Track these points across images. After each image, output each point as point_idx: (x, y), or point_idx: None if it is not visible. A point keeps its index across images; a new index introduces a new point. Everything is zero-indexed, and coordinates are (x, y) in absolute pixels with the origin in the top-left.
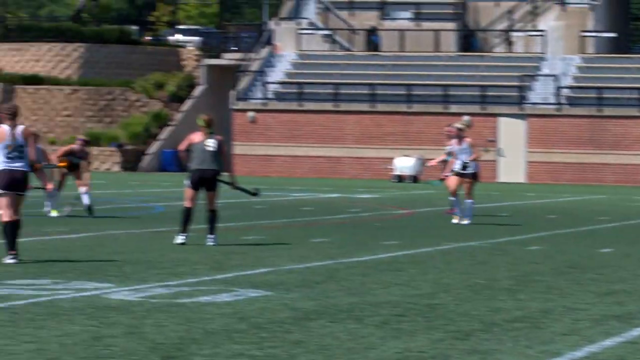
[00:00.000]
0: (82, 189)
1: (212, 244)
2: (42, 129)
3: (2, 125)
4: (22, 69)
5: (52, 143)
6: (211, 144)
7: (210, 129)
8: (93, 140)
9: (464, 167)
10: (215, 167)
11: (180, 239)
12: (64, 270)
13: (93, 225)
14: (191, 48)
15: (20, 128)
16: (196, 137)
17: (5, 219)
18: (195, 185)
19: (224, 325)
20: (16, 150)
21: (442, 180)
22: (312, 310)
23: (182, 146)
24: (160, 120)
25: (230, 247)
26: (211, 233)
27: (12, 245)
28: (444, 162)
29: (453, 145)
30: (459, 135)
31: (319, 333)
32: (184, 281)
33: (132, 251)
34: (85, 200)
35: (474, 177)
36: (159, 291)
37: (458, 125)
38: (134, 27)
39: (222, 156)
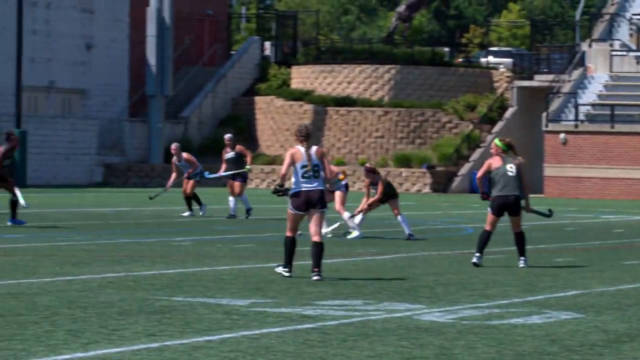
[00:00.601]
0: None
1: (523, 265)
2: (353, 150)
3: (297, 147)
4: (334, 91)
5: (363, 164)
6: (512, 168)
7: (510, 152)
8: (404, 161)
9: None
10: (517, 192)
11: (475, 259)
12: (375, 291)
13: (404, 247)
14: (503, 70)
15: (314, 149)
16: (495, 162)
17: (290, 234)
18: (497, 212)
19: (535, 347)
20: (312, 170)
21: None
22: (624, 333)
23: (480, 173)
24: (471, 142)
25: (541, 269)
26: (521, 255)
27: (289, 260)
28: None
29: None
30: None
31: (631, 356)
32: (495, 303)
33: (443, 272)
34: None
35: None
36: (470, 313)
37: None
38: (446, 49)
39: (523, 180)
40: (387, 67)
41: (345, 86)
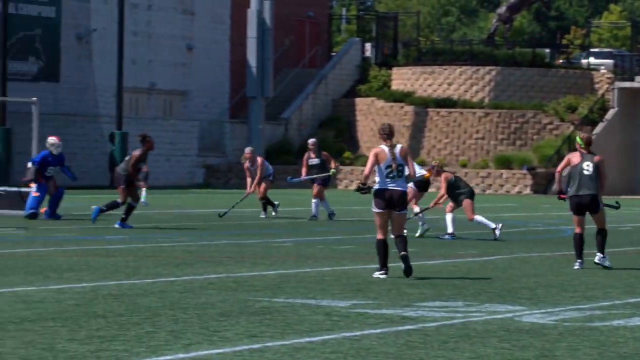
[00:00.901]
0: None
1: (597, 261)
2: (453, 151)
3: (381, 146)
4: (435, 92)
5: (463, 166)
6: (589, 167)
7: (588, 149)
8: (504, 163)
9: None
10: (594, 191)
11: (576, 265)
12: (476, 293)
13: (505, 248)
14: (603, 71)
15: (398, 147)
16: (575, 158)
17: (380, 237)
18: (577, 211)
19: (637, 349)
20: (396, 170)
21: None
22: None
23: (560, 167)
24: (572, 143)
25: None
26: (600, 252)
27: (384, 263)
28: None
29: None
30: None
31: None
32: (597, 304)
33: (544, 274)
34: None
35: None
36: (571, 314)
37: None
38: (547, 50)
39: (600, 178)
40: (487, 68)
41: (445, 87)
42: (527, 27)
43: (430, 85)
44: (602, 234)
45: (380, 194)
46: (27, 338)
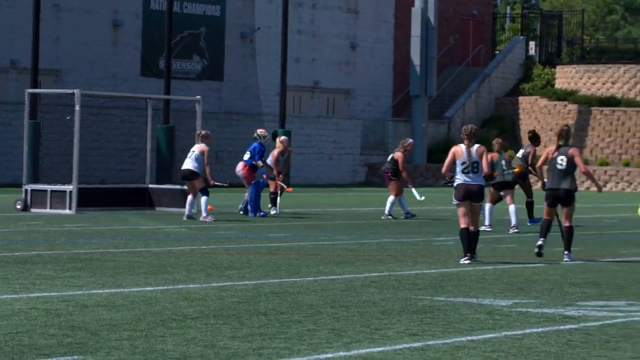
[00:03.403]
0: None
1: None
2: (616, 150)
3: (460, 145)
4: (598, 91)
5: (626, 165)
6: (562, 161)
7: (563, 141)
8: None
9: None
10: (566, 185)
11: (539, 241)
12: (639, 292)
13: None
14: None
15: (475, 147)
16: (552, 151)
17: (463, 225)
18: (551, 204)
19: None
20: (470, 166)
21: None
22: None
23: (539, 163)
24: None
25: None
26: (567, 250)
27: (467, 249)
28: None
29: None
30: None
31: None
32: None
33: None
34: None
35: None
36: None
37: None
38: None
39: (581, 169)
40: None
41: (609, 86)
42: None
43: (594, 83)
44: (570, 231)
45: (458, 187)
46: (189, 335)
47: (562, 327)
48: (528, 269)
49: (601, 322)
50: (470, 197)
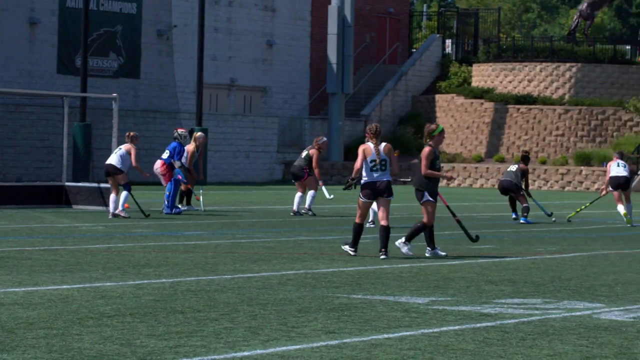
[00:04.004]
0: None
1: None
2: (533, 148)
3: (367, 143)
4: (515, 89)
5: (543, 163)
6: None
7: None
8: (584, 160)
9: None
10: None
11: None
12: (554, 290)
13: (584, 245)
14: None
15: (382, 145)
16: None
17: (358, 220)
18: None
19: None
20: (379, 164)
21: None
22: None
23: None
24: None
25: None
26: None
27: (354, 242)
28: None
29: None
30: None
31: None
32: None
33: (623, 271)
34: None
35: None
36: None
37: None
38: (628, 47)
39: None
40: (568, 65)
41: (526, 84)
42: (608, 24)
43: (510, 82)
44: (427, 228)
45: (367, 185)
46: (105, 333)
47: (478, 325)
48: (444, 266)
49: (517, 320)
50: (380, 193)
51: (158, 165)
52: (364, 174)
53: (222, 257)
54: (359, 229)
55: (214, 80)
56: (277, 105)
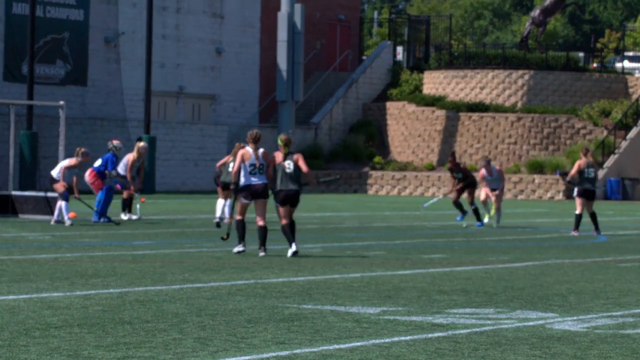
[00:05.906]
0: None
1: (291, 254)
2: (485, 156)
3: (247, 148)
4: (467, 97)
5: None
6: (289, 165)
7: (287, 149)
8: (537, 168)
9: None
10: (296, 186)
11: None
12: (507, 300)
13: (537, 254)
14: (638, 75)
15: (261, 150)
16: (277, 157)
17: (239, 217)
18: (282, 202)
19: None
20: (258, 168)
21: None
22: None
23: (270, 170)
24: (605, 148)
25: None
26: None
27: (241, 238)
28: None
29: None
30: None
31: None
32: (629, 312)
33: (576, 281)
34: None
35: None
36: (603, 322)
37: None
38: (581, 54)
39: (300, 173)
40: (520, 72)
41: (478, 92)
42: (561, 31)
43: (462, 89)
44: (293, 225)
45: (246, 188)
46: (52, 344)
47: (430, 335)
48: (396, 276)
49: (470, 330)
50: (258, 195)
51: (87, 173)
52: (242, 177)
53: (170, 266)
54: (241, 226)
55: (162, 87)
56: (227, 113)
